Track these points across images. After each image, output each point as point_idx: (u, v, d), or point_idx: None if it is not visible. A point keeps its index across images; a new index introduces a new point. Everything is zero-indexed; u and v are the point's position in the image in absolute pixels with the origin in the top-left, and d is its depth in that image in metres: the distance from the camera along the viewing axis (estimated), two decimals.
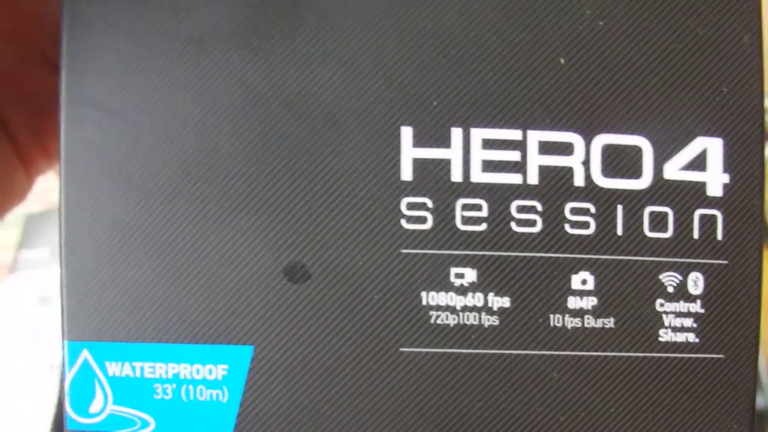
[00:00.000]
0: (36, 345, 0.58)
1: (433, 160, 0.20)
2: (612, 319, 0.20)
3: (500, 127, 0.20)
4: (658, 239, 0.20)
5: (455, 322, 0.20)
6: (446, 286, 0.20)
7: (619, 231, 0.20)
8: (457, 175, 0.20)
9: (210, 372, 0.20)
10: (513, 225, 0.20)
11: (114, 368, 0.19)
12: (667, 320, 0.20)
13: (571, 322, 0.20)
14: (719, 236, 0.21)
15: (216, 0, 0.20)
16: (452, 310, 0.20)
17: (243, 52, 0.20)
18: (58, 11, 0.20)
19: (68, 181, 0.20)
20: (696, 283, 0.20)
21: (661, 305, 0.20)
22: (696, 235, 0.20)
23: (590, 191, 0.20)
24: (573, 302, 0.20)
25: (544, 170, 0.20)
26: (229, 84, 0.20)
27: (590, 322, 0.20)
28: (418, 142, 0.20)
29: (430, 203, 0.20)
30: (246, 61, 0.20)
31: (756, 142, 0.21)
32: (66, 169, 0.20)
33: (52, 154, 0.26)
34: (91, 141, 0.20)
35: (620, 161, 0.20)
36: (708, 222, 0.20)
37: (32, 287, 0.61)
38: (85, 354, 0.19)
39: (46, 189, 0.28)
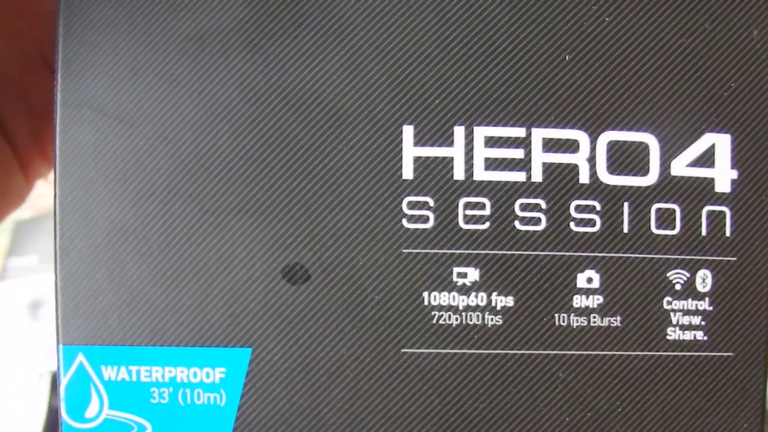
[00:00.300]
0: (25, 353, 0.58)
1: (435, 159, 0.20)
2: (618, 318, 0.20)
3: (504, 125, 0.20)
4: (665, 236, 0.20)
5: (458, 322, 0.19)
6: (449, 286, 0.19)
7: (626, 228, 0.20)
8: (459, 174, 0.20)
9: (207, 375, 0.19)
10: (517, 223, 0.20)
11: (110, 372, 0.19)
12: (674, 318, 0.20)
13: (576, 321, 0.20)
14: (728, 233, 0.20)
15: None
16: (455, 310, 0.19)
17: (243, 50, 0.19)
18: (55, 11, 0.20)
19: (63, 182, 0.19)
20: (704, 280, 0.20)
21: (669, 303, 0.20)
22: (704, 231, 0.20)
23: (596, 188, 0.20)
24: (578, 301, 0.20)
25: (548, 168, 0.20)
26: (229, 82, 0.19)
27: (596, 321, 0.20)
28: (420, 140, 0.20)
29: (431, 202, 0.20)
30: (246, 59, 0.19)
31: (765, 137, 0.20)
32: (61, 171, 0.19)
33: (50, 158, 0.26)
34: (87, 142, 0.19)
35: (626, 158, 0.20)
36: (716, 218, 0.20)
37: (21, 294, 0.60)
38: (81, 358, 0.19)
39: (36, 195, 0.28)
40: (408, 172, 0.20)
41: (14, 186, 0.26)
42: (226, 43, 0.19)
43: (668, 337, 0.20)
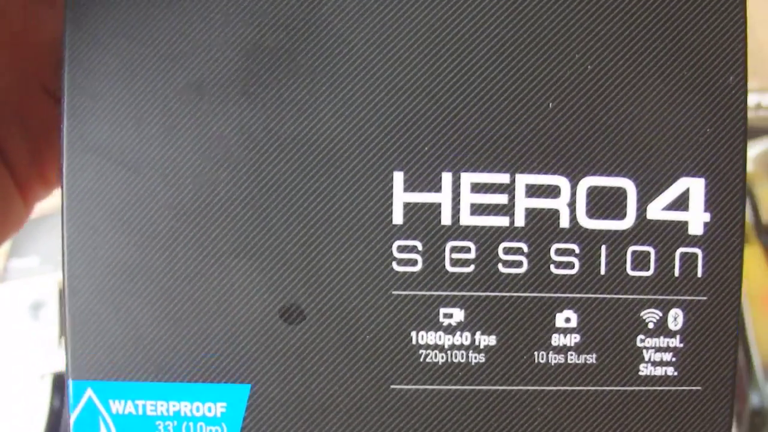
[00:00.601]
0: (27, 354, 0.59)
1: (424, 204, 0.21)
2: (594, 355, 0.21)
3: (489, 171, 0.21)
4: (639, 277, 0.21)
5: (444, 360, 0.21)
6: (435, 326, 0.21)
7: (602, 270, 0.21)
8: (446, 219, 0.21)
9: (209, 409, 0.20)
10: (500, 266, 0.21)
11: (117, 406, 0.20)
12: (647, 355, 0.21)
13: (554, 359, 0.21)
14: (699, 273, 0.21)
15: (214, 47, 0.20)
16: (441, 348, 0.21)
17: (240, 98, 0.20)
18: (58, 42, 0.20)
19: (70, 225, 0.20)
20: (676, 319, 0.21)
21: (642, 341, 0.21)
22: (677, 272, 0.21)
23: (575, 232, 0.21)
24: (557, 339, 0.21)
25: (530, 212, 0.21)
26: (227, 129, 0.20)
27: (573, 358, 0.21)
28: (410, 186, 0.21)
29: (420, 246, 0.21)
30: (243, 107, 0.20)
31: (737, 180, 0.21)
32: (68, 214, 0.20)
33: (49, 182, 0.27)
34: (92, 187, 0.20)
35: (605, 203, 0.21)
36: (689, 260, 0.21)
37: (22, 296, 0.61)
38: (90, 393, 0.20)
39: None
40: (398, 218, 0.21)
41: (13, 210, 0.26)
42: (223, 91, 0.20)
43: (641, 373, 0.21)
